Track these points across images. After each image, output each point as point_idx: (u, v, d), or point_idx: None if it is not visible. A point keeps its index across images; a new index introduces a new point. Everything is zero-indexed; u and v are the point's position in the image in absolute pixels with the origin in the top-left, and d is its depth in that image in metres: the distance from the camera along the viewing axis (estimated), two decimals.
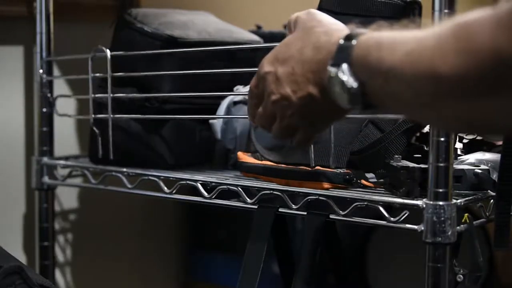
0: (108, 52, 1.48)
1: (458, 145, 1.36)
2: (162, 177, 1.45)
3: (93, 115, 1.52)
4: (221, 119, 1.50)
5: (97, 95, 1.52)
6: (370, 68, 0.80)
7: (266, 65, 0.96)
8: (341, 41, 0.85)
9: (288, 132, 0.97)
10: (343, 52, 0.84)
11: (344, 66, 0.83)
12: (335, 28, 0.91)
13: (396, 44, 0.77)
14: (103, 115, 1.50)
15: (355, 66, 0.83)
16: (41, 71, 1.61)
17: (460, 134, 1.36)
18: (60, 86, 1.70)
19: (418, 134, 1.33)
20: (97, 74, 1.51)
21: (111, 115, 1.48)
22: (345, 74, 0.83)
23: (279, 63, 0.94)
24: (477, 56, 0.68)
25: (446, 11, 1.10)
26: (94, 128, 1.52)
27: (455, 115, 0.73)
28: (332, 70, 0.85)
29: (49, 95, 1.61)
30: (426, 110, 0.76)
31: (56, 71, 1.69)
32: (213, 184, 1.39)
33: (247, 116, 1.05)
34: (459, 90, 0.70)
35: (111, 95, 1.49)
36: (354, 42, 0.83)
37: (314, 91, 0.90)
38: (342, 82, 0.84)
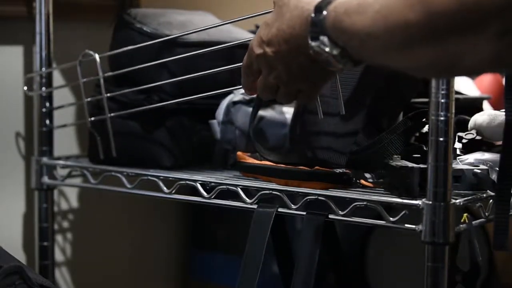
0: (97, 56, 1.48)
1: (457, 145, 1.36)
2: (161, 177, 1.45)
3: (89, 119, 1.52)
4: (221, 119, 1.50)
5: (90, 98, 1.52)
6: (345, 34, 0.89)
7: (256, 48, 1.06)
8: (312, 15, 0.93)
9: (291, 96, 1.08)
10: (317, 26, 0.93)
11: (323, 38, 0.92)
12: (304, 1, 1.00)
13: (364, 6, 0.85)
14: (101, 116, 1.50)
15: (332, 35, 0.92)
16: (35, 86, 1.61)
17: (459, 134, 1.36)
18: (59, 82, 1.71)
19: (417, 134, 1.33)
20: (90, 78, 1.52)
21: (109, 115, 1.48)
22: (326, 45, 0.92)
23: (265, 44, 1.04)
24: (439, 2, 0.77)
25: None
26: (93, 131, 1.52)
27: (425, 59, 0.81)
28: (313, 44, 0.94)
29: (44, 109, 1.61)
30: (400, 58, 0.83)
31: (55, 70, 1.68)
32: (213, 184, 1.39)
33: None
34: (429, 34, 0.78)
35: (106, 94, 1.49)
36: (324, 13, 0.91)
37: (304, 61, 1.01)
38: (326, 52, 0.93)
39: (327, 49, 0.93)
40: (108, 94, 1.50)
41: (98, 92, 1.53)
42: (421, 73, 0.90)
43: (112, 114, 1.49)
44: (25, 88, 1.62)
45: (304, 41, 0.96)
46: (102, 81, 1.48)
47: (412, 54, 0.81)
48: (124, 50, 1.49)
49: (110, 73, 1.50)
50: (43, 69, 1.62)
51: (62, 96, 1.70)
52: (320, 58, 0.94)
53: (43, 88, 1.62)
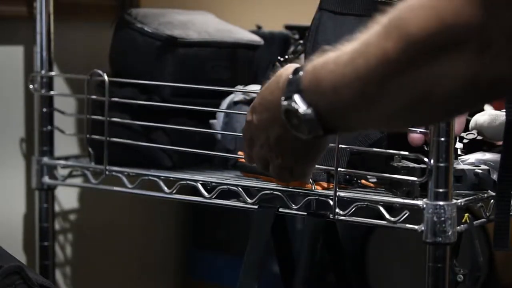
0: (106, 77, 1.48)
1: (458, 145, 1.36)
2: (162, 177, 1.45)
3: (87, 135, 1.53)
4: (221, 119, 1.50)
5: (92, 117, 1.52)
6: (319, 88, 0.84)
7: (248, 114, 1.01)
8: (290, 76, 0.88)
9: (283, 172, 1.01)
10: (292, 85, 0.88)
11: (295, 96, 0.87)
12: (284, 69, 0.95)
13: (340, 55, 0.82)
14: (99, 116, 1.51)
15: (306, 93, 0.86)
16: (36, 86, 1.61)
17: (460, 134, 1.36)
18: (60, 83, 1.71)
19: None
20: (95, 98, 1.52)
21: (107, 138, 1.48)
22: (297, 103, 0.86)
23: (255, 112, 0.99)
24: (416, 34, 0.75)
25: None
26: (90, 150, 1.53)
27: (402, 93, 0.78)
28: (284, 103, 0.88)
29: (45, 110, 1.61)
30: (374, 104, 0.81)
31: (55, 69, 1.68)
32: (213, 184, 1.39)
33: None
34: (408, 60, 0.76)
35: (108, 118, 1.49)
36: (301, 73, 0.87)
37: (281, 132, 0.94)
38: (296, 112, 0.87)
39: (296, 107, 0.86)
40: (112, 98, 1.49)
41: (100, 92, 1.53)
42: (394, 120, 0.85)
43: (113, 119, 1.49)
44: (31, 86, 1.61)
45: (278, 107, 0.91)
46: (107, 103, 1.48)
47: (390, 90, 0.78)
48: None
49: (116, 99, 1.50)
50: (43, 71, 1.61)
51: (62, 94, 1.70)
52: (290, 123, 0.89)
53: (43, 90, 1.61)
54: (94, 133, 1.53)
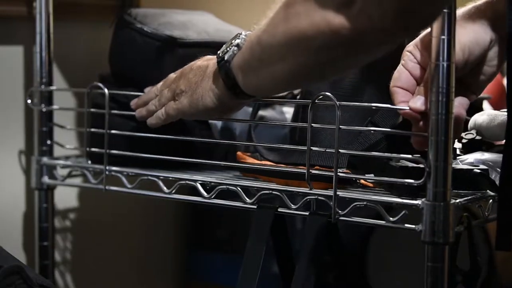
0: (106, 90, 1.48)
1: (457, 145, 1.36)
2: (161, 177, 1.45)
3: (87, 148, 1.53)
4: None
5: (92, 130, 1.52)
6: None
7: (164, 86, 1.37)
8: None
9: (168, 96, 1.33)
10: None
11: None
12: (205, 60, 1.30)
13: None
14: (99, 129, 1.51)
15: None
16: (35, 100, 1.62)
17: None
18: (59, 82, 1.71)
19: None
20: (95, 110, 1.52)
21: (108, 150, 1.48)
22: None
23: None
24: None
25: (445, 10, 1.09)
26: (89, 162, 1.54)
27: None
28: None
29: (44, 109, 1.61)
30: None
31: (55, 69, 1.68)
32: (213, 184, 1.39)
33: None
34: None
35: (108, 130, 1.49)
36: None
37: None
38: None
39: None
40: (110, 131, 1.50)
41: (101, 95, 1.53)
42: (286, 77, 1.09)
43: (113, 131, 1.49)
44: (29, 101, 1.61)
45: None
46: (107, 116, 1.48)
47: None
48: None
49: (115, 111, 1.50)
50: (43, 86, 1.61)
51: (62, 93, 1.70)
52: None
53: (44, 105, 1.62)
54: (94, 132, 1.53)
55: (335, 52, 0.97)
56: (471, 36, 1.17)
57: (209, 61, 1.26)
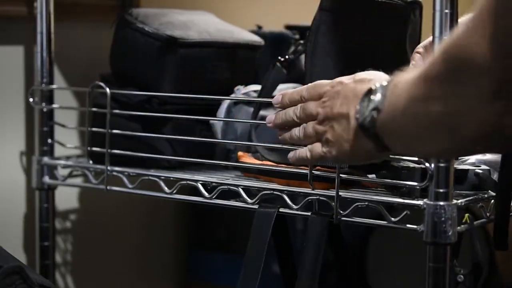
0: (108, 90, 1.47)
1: None
2: (162, 177, 1.45)
3: (88, 148, 1.53)
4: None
5: (93, 129, 1.52)
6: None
7: (314, 91, 1.13)
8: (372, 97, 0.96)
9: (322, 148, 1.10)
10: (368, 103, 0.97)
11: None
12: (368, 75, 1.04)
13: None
14: (100, 129, 1.51)
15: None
16: (36, 99, 1.61)
17: None
18: (60, 83, 1.71)
19: None
20: (97, 110, 1.52)
21: (109, 150, 1.48)
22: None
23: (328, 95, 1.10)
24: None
25: (446, 11, 1.09)
26: (91, 162, 1.54)
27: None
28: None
29: (45, 109, 1.61)
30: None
31: (55, 69, 1.68)
32: (214, 184, 1.39)
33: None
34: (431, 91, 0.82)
35: (109, 130, 1.49)
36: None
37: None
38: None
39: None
40: (111, 131, 1.49)
41: (101, 93, 1.53)
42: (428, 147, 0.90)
43: (115, 131, 1.49)
44: (31, 100, 1.61)
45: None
46: (108, 116, 1.48)
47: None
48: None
49: (117, 111, 1.50)
50: (43, 85, 1.61)
51: (63, 93, 1.70)
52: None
53: (45, 104, 1.62)
54: (95, 131, 1.53)
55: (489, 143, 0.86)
56: None
57: (349, 103, 1.07)
